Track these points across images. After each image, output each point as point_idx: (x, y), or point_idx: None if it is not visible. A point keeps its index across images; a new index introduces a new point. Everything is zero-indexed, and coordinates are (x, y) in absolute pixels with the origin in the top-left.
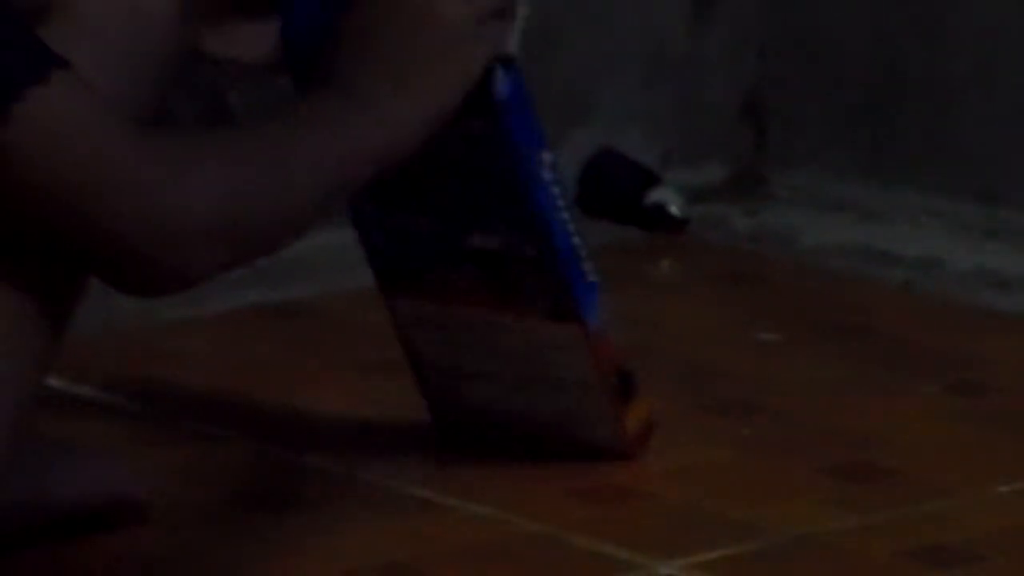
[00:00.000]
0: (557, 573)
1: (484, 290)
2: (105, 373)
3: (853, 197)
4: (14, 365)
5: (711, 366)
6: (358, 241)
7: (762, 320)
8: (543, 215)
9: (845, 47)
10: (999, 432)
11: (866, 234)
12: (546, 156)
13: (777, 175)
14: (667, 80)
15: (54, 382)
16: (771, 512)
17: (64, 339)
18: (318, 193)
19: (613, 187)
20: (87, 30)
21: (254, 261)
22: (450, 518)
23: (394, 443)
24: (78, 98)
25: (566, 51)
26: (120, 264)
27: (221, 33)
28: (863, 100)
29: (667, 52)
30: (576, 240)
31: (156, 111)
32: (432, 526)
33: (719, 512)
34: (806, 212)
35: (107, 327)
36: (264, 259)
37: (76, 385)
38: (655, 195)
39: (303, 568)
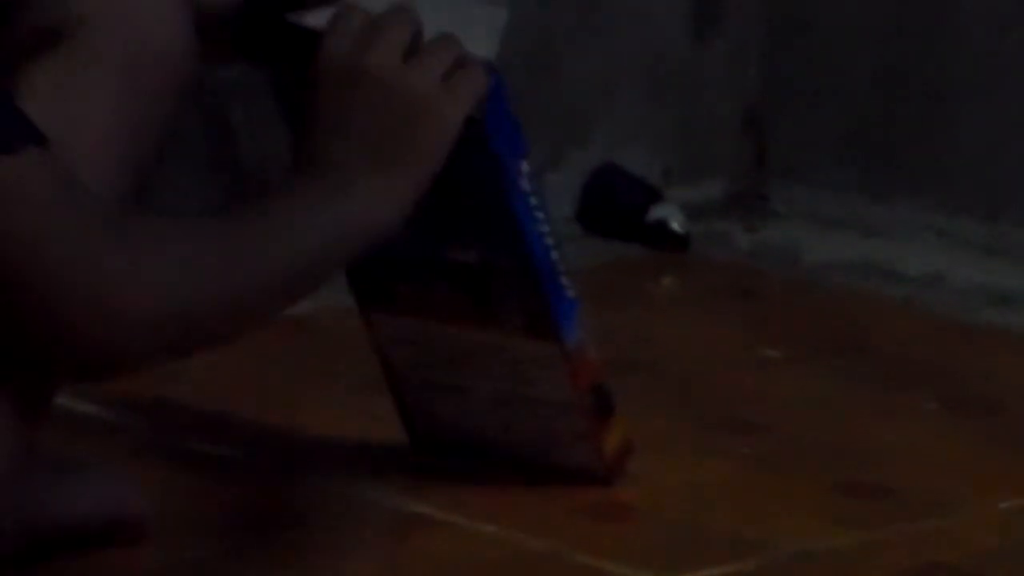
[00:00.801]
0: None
1: (460, 305)
2: (105, 390)
3: (854, 214)
4: None
5: (712, 383)
6: None
7: (763, 337)
8: (521, 225)
9: (845, 65)
10: (1000, 449)
11: (867, 250)
12: (525, 166)
13: (778, 192)
14: (668, 98)
15: (57, 399)
16: (771, 529)
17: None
18: (292, 279)
19: (615, 204)
20: (100, 62)
21: (209, 347)
22: (455, 536)
23: (397, 460)
24: (46, 175)
25: (568, 69)
26: (57, 343)
27: None
28: (864, 118)
29: (668, 70)
30: (555, 255)
31: (164, 143)
32: (438, 544)
33: (720, 529)
34: (807, 229)
35: None
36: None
37: (78, 402)
38: (657, 212)
39: None
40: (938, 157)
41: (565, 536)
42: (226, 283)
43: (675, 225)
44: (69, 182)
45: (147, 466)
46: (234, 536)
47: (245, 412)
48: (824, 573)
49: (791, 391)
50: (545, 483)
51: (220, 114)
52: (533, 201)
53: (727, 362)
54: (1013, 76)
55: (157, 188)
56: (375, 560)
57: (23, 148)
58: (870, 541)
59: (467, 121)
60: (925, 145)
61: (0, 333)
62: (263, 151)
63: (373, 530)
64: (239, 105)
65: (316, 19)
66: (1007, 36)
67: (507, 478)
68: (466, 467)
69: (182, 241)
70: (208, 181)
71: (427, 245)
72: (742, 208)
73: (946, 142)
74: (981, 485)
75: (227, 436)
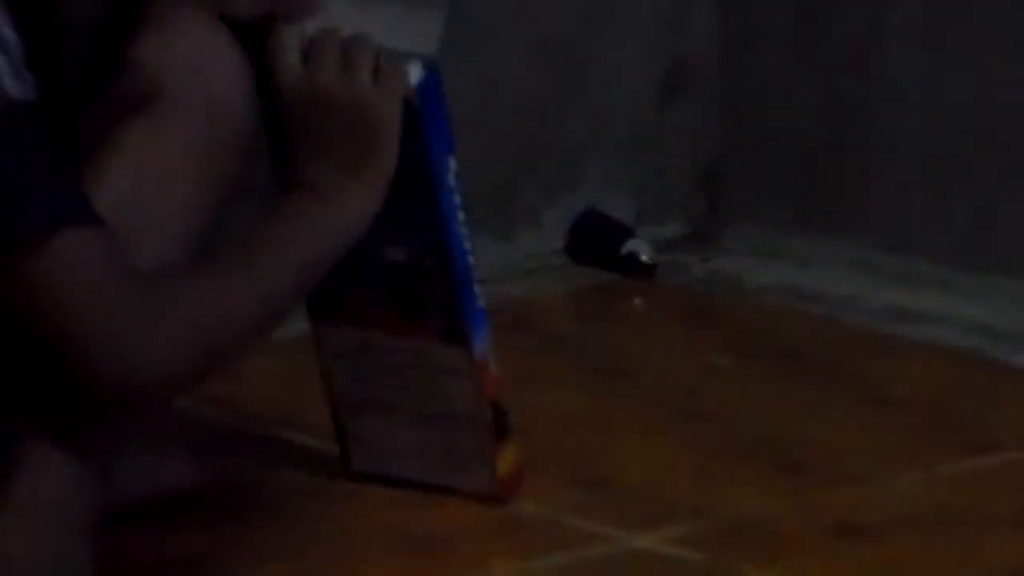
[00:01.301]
0: (555, 545)
1: (392, 308)
2: None
3: (788, 248)
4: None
5: (673, 383)
6: None
7: (715, 347)
8: (445, 220)
9: (783, 130)
10: (903, 435)
11: (798, 278)
12: (453, 162)
13: (727, 231)
14: (639, 154)
15: None
16: (718, 497)
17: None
18: (294, 286)
19: (596, 240)
20: (182, 125)
21: (223, 370)
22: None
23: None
24: (96, 251)
25: (556, 128)
26: (91, 385)
27: None
28: (797, 171)
29: (640, 131)
30: (471, 260)
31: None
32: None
33: (680, 498)
34: (750, 260)
35: None
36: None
37: None
38: (629, 246)
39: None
40: (854, 204)
41: (559, 503)
42: (233, 326)
43: (644, 257)
44: (113, 258)
45: (208, 450)
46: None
47: (300, 411)
48: (761, 531)
49: (736, 390)
50: (545, 458)
51: None
52: (457, 200)
53: (685, 367)
54: (914, 140)
55: None
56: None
57: (82, 227)
58: (797, 506)
59: (406, 110)
60: (844, 195)
61: (49, 372)
62: None
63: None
64: None
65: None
66: (911, 105)
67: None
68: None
69: (193, 304)
70: None
71: (369, 246)
72: (698, 244)
73: (860, 193)
74: (887, 463)
75: (284, 426)
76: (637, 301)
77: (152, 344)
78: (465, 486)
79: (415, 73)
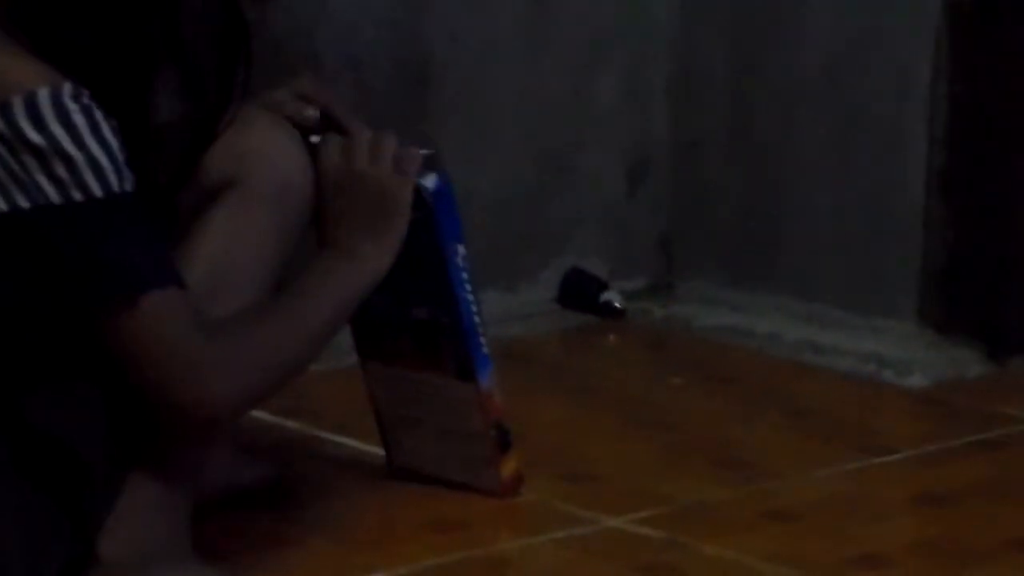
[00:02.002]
0: (550, 525)
1: (419, 354)
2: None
3: (726, 297)
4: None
5: (640, 399)
6: None
7: (671, 370)
8: (455, 292)
9: (720, 209)
10: (816, 440)
11: (734, 319)
12: (461, 248)
13: (680, 284)
14: (612, 227)
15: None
16: (677, 487)
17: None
18: (328, 332)
19: (581, 291)
20: (259, 202)
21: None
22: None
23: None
24: (179, 309)
25: (549, 209)
26: (174, 415)
27: None
28: (731, 240)
29: (612, 210)
30: (477, 319)
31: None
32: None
33: (645, 488)
34: (698, 307)
35: None
36: None
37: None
38: (606, 296)
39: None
40: (774, 264)
41: (548, 492)
42: (282, 362)
43: (617, 304)
44: (192, 313)
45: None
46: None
47: (364, 426)
48: (709, 515)
49: (688, 404)
50: (535, 458)
51: None
52: (464, 275)
53: (648, 386)
54: (818, 215)
55: None
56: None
57: (164, 289)
58: (736, 496)
59: (423, 209)
60: (767, 257)
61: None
62: None
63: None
64: None
65: (314, 139)
66: (817, 190)
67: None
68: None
69: (254, 349)
70: None
71: (398, 306)
72: (658, 294)
73: (778, 255)
74: (802, 462)
75: (354, 437)
76: (611, 337)
77: (220, 383)
78: (477, 484)
79: (431, 180)
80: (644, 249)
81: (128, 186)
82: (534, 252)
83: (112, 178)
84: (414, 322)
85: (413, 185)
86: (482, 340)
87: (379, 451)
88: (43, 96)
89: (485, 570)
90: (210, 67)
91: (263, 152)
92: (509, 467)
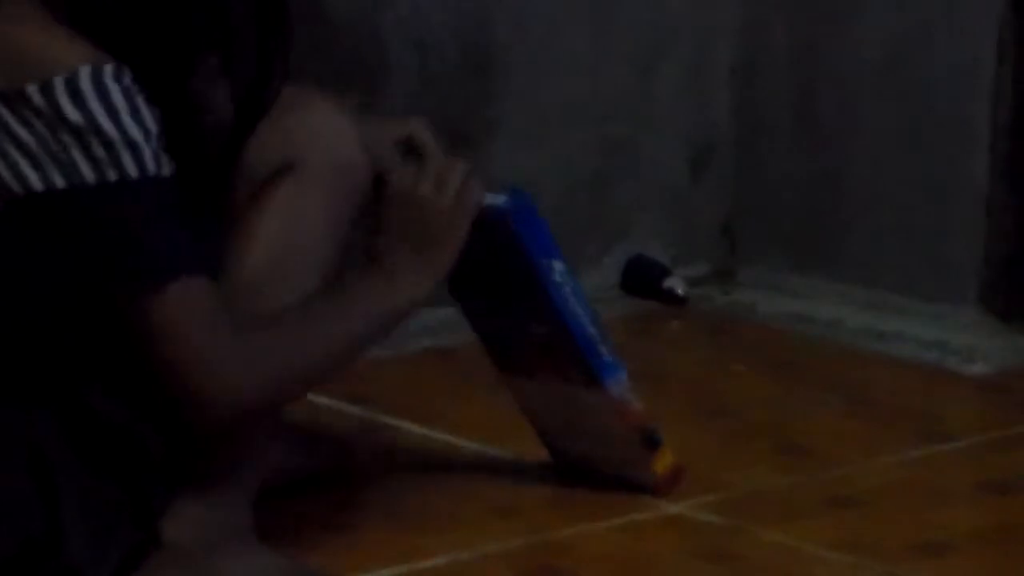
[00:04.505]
0: (612, 512)
1: (549, 366)
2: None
3: (788, 284)
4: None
5: (702, 387)
6: (472, 328)
7: (734, 357)
8: (556, 308)
9: (782, 195)
10: (878, 427)
11: (795, 306)
12: (557, 264)
13: (742, 271)
14: (675, 214)
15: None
16: (738, 474)
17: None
18: (355, 347)
19: (643, 277)
20: (314, 183)
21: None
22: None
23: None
24: (204, 298)
25: (614, 196)
26: (181, 404)
27: None
28: (793, 226)
29: (675, 197)
30: (591, 330)
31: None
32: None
33: (706, 474)
34: (760, 293)
35: None
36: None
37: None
38: (668, 282)
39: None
40: (837, 250)
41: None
42: (303, 369)
43: (679, 291)
44: (217, 305)
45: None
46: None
47: (419, 409)
48: (770, 501)
49: (750, 390)
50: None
51: None
52: (567, 291)
53: (710, 372)
54: (885, 203)
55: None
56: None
57: (192, 276)
58: (797, 482)
59: (508, 235)
60: (829, 244)
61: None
62: None
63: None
64: None
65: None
66: (885, 168)
67: None
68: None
69: (278, 350)
70: None
71: (517, 325)
72: (720, 280)
73: (841, 242)
74: (864, 448)
75: (408, 418)
76: (674, 323)
77: (236, 379)
78: (636, 482)
79: (501, 199)
80: (707, 235)
81: (166, 171)
82: (597, 238)
83: (149, 161)
84: (535, 337)
85: (471, 217)
86: (602, 348)
87: (441, 436)
88: (84, 74)
89: (546, 555)
90: (250, 45)
91: (319, 134)
92: (664, 463)
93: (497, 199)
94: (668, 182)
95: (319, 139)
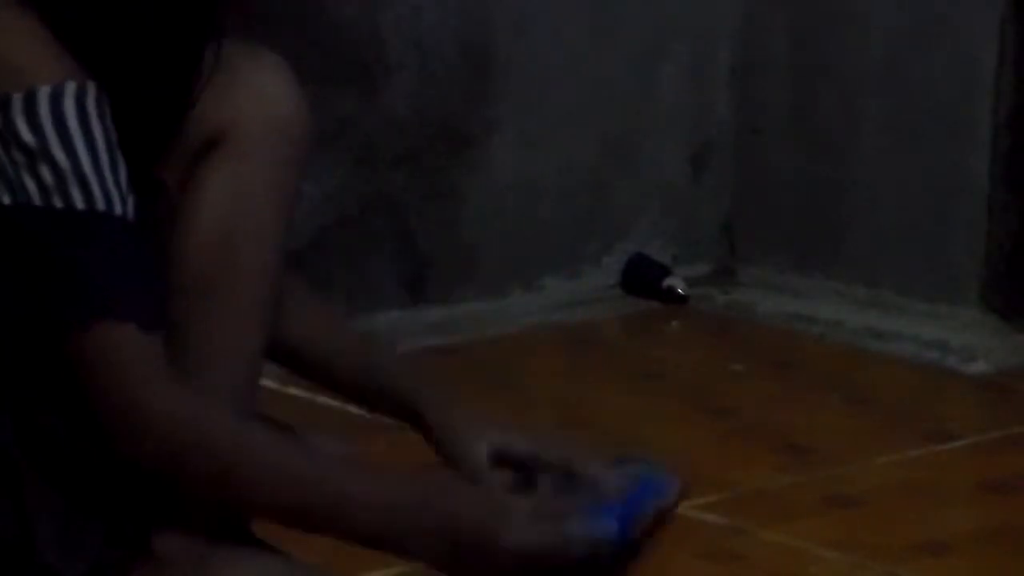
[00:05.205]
0: None
1: None
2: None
3: (788, 283)
4: None
5: (702, 385)
6: None
7: (733, 357)
8: None
9: (782, 195)
10: (878, 426)
11: (797, 305)
12: None
13: (742, 270)
14: (675, 213)
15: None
16: (738, 474)
17: None
18: (282, 516)
19: (644, 276)
20: (256, 148)
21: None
22: None
23: None
24: (133, 348)
25: (614, 195)
26: (107, 431)
27: None
28: (793, 226)
29: (675, 197)
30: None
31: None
32: None
33: (707, 473)
34: (760, 292)
35: None
36: None
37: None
38: (668, 281)
39: None
40: (836, 250)
41: None
42: (220, 491)
43: (680, 290)
44: (150, 357)
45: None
46: None
47: None
48: (770, 501)
49: (750, 389)
50: None
51: (402, 218)
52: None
53: (710, 371)
54: (885, 202)
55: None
56: None
57: (122, 323)
58: (797, 482)
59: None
60: (829, 243)
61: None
62: (434, 249)
63: None
64: (415, 212)
65: None
66: (885, 167)
67: None
68: None
69: (202, 444)
70: (391, 270)
71: None
72: (720, 280)
73: (841, 241)
74: (864, 447)
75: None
76: (674, 323)
77: (149, 446)
78: None
79: (610, 529)
80: (707, 235)
81: (119, 209)
82: (597, 238)
83: (98, 196)
84: None
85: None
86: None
87: None
88: (43, 96)
89: None
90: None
91: (255, 92)
92: None
93: (603, 528)
94: (668, 182)
95: (255, 97)
